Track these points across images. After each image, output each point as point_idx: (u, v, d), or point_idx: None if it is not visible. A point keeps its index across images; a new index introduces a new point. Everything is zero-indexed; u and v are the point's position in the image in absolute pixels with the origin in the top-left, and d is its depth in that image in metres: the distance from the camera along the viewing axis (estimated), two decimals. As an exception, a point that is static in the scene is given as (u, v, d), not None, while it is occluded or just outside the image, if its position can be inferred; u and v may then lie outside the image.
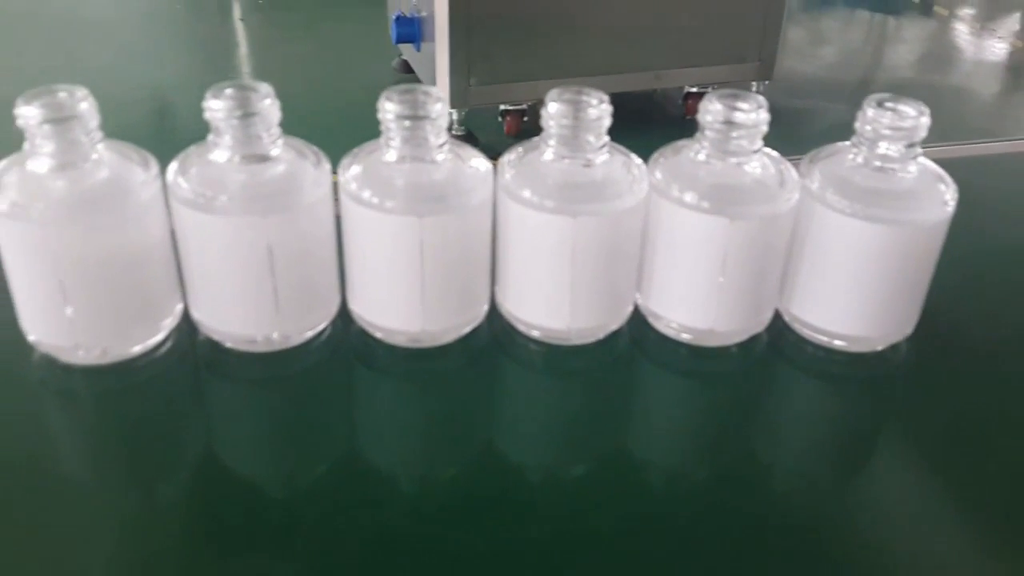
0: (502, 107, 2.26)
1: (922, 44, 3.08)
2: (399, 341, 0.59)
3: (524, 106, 2.25)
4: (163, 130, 2.14)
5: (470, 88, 2.16)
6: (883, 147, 0.57)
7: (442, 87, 2.16)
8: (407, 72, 2.48)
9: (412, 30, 2.25)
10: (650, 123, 2.29)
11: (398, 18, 2.26)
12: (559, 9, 2.16)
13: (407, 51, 2.43)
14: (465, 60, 2.13)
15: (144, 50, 2.64)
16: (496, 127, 2.27)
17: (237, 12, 2.95)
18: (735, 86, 2.36)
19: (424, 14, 2.19)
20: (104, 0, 2.98)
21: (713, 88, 2.34)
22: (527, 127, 2.23)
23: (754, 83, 2.33)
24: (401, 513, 0.49)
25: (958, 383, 0.61)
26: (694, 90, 2.37)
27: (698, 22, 2.25)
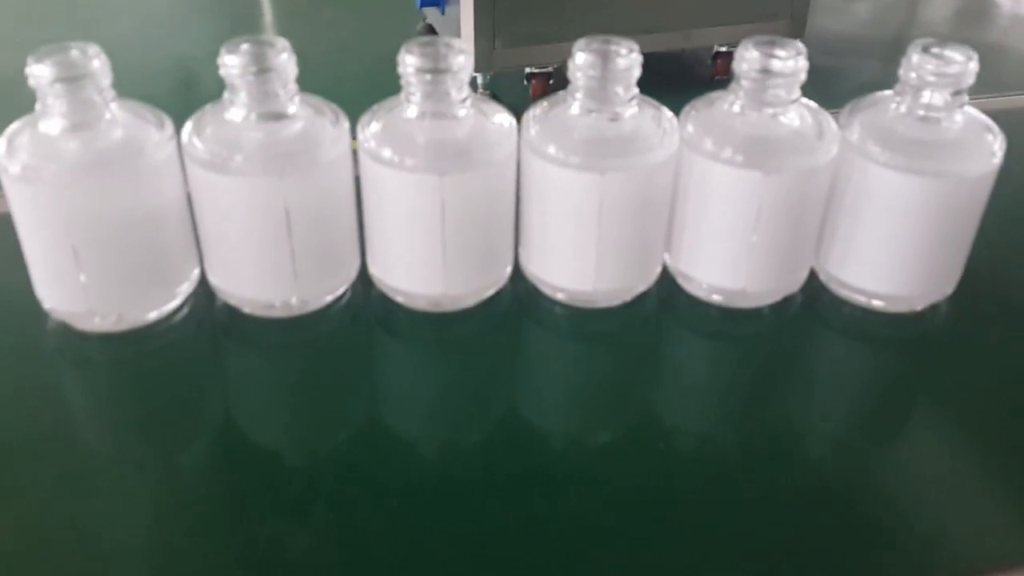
0: (528, 70, 2.22)
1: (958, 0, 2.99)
2: (420, 305, 0.57)
3: (550, 69, 2.21)
4: (188, 98, 2.13)
5: (495, 51, 2.13)
6: (928, 95, 0.54)
7: (467, 50, 2.13)
8: (432, 36, 2.45)
9: (436, -7, 2.22)
10: (679, 84, 2.24)
11: (422, -19, 2.23)
12: (585, -31, 2.11)
13: (432, 15, 2.40)
14: (490, 23, 2.09)
15: (168, 18, 2.63)
16: (522, 90, 2.24)
17: (260, -22, 2.93)
18: (766, 45, 2.31)
19: (448, -24, 2.15)
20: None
21: (743, 47, 2.30)
22: (553, 90, 2.19)
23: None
24: (423, 480, 0.48)
25: (1000, 344, 0.58)
26: (723, 49, 2.32)
27: (728, -21, 2.19)
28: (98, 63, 0.50)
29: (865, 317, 0.58)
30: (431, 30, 2.45)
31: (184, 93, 2.17)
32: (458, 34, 2.15)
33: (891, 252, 0.56)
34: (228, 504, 0.47)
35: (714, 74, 2.32)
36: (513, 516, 0.46)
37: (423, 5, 2.27)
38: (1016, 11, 2.87)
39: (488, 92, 2.19)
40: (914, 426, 0.54)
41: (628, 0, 2.15)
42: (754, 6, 2.23)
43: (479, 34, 2.10)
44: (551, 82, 2.20)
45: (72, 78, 0.50)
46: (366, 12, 2.69)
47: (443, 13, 2.27)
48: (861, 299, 0.58)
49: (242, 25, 2.66)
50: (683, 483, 0.49)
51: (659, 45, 2.20)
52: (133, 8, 2.68)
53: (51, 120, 0.51)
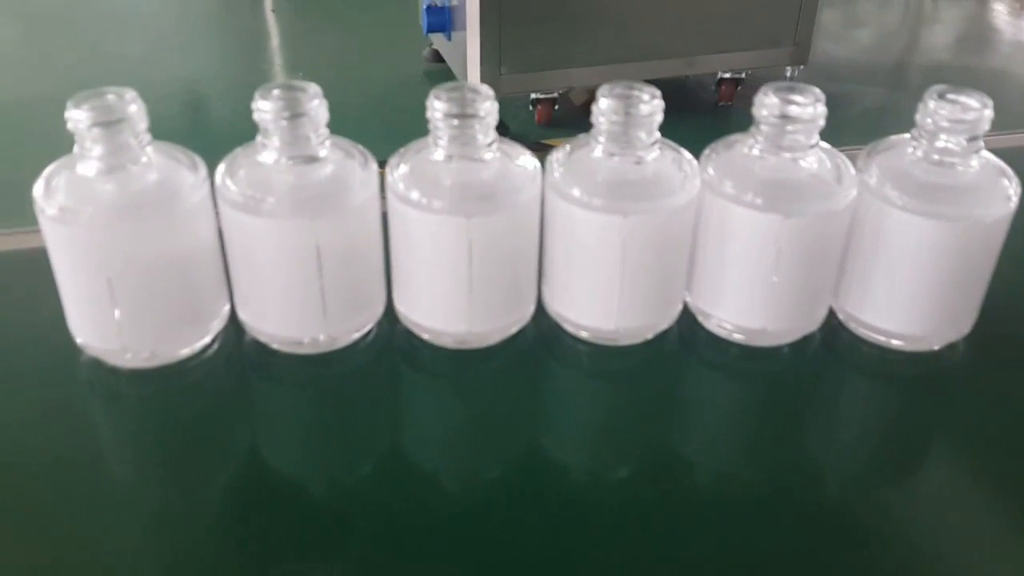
0: (533, 96, 2.24)
1: (960, 26, 3.02)
2: (445, 342, 0.58)
3: (555, 95, 2.23)
4: (197, 123, 2.15)
5: (501, 77, 2.15)
6: (944, 140, 0.55)
7: (473, 76, 2.15)
8: (438, 61, 2.47)
9: (443, 19, 2.24)
10: (683, 110, 2.27)
11: (429, 7, 2.25)
12: (590, -4, 2.14)
13: (438, 40, 2.42)
14: (496, 49, 2.11)
15: (175, 43, 2.65)
16: (527, 116, 2.26)
17: (268, 3, 2.96)
18: (769, 71, 2.33)
19: (455, 3, 2.17)
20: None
21: (747, 73, 2.32)
22: (558, 115, 2.21)
23: (788, 68, 2.30)
24: (447, 515, 0.49)
25: (1017, 383, 0.59)
26: (727, 76, 2.34)
27: (731, 6, 2.21)
28: (135, 108, 0.52)
29: (883, 356, 0.59)
30: (437, 56, 2.48)
31: (192, 116, 2.19)
32: (464, 59, 2.17)
33: (908, 293, 0.57)
34: (254, 539, 0.48)
35: (718, 100, 2.34)
36: (536, 552, 0.47)
37: (429, 31, 2.30)
38: (1017, 37, 2.90)
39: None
40: (931, 463, 0.55)
41: (632, 27, 2.18)
42: (758, 33, 2.26)
43: (485, 60, 2.12)
44: (556, 107, 2.23)
45: (109, 122, 0.51)
46: (372, 36, 2.72)
47: (449, 39, 2.29)
48: (879, 338, 0.59)
49: (249, 49, 2.69)
50: (704, 521, 0.49)
51: (663, 71, 2.22)
52: (141, 32, 2.71)
53: (88, 163, 0.52)
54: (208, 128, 2.05)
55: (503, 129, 2.29)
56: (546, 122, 2.23)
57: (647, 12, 2.17)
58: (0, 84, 2.31)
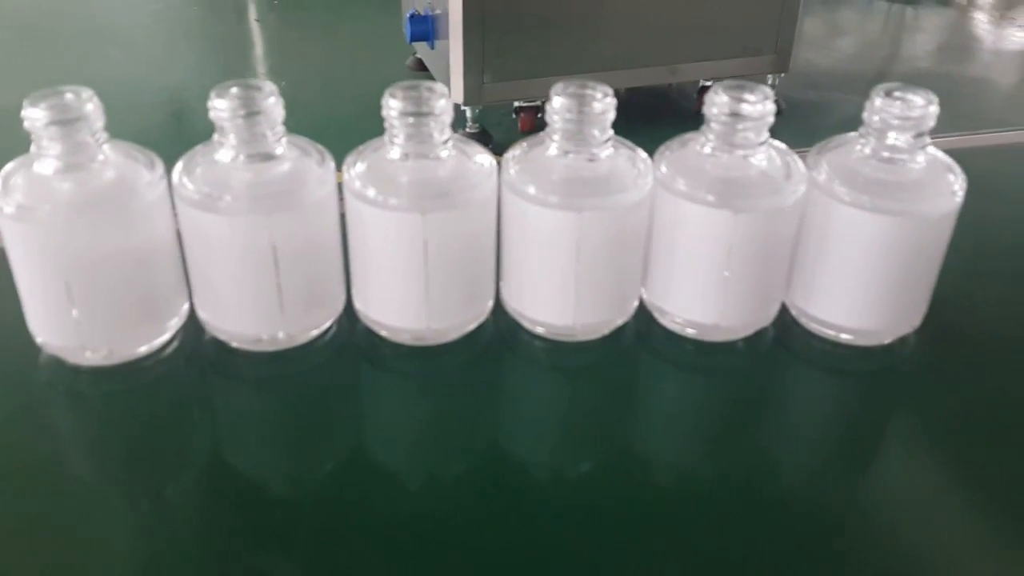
0: (516, 104, 2.26)
1: (941, 34, 3.05)
2: (404, 339, 0.59)
3: (539, 103, 2.24)
4: (180, 132, 2.15)
5: (484, 85, 2.16)
6: (891, 137, 0.56)
7: (456, 85, 2.16)
8: (421, 70, 2.49)
9: (426, 28, 2.25)
10: (664, 118, 2.28)
11: (412, 16, 2.26)
12: (572, 5, 2.15)
13: (421, 49, 2.43)
14: (479, 57, 2.13)
15: (160, 52, 2.66)
16: (511, 124, 2.27)
17: (253, 13, 2.97)
18: (751, 79, 2.34)
19: (438, 12, 2.19)
20: (120, 3, 3.00)
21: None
22: (541, 123, 2.22)
23: (770, 76, 2.32)
24: (407, 512, 0.49)
25: (966, 375, 0.60)
26: (709, 84, 2.35)
27: (713, 15, 2.23)
28: (91, 106, 0.52)
29: (835, 350, 0.60)
30: (421, 64, 2.49)
31: (176, 126, 2.19)
32: (447, 68, 2.18)
33: (858, 288, 0.58)
34: (214, 537, 0.48)
35: (698, 108, 2.36)
36: (495, 548, 0.47)
37: (412, 39, 2.31)
38: (997, 46, 2.92)
39: (477, 126, 2.22)
40: (885, 455, 0.56)
41: (614, 36, 2.19)
42: (739, 41, 2.27)
43: (468, 69, 2.13)
44: (539, 115, 2.24)
45: (66, 121, 0.51)
46: (356, 45, 2.73)
47: (433, 48, 2.30)
48: (830, 333, 0.60)
49: (233, 58, 2.69)
50: (660, 513, 0.50)
51: (645, 80, 2.24)
52: (126, 42, 2.71)
53: (45, 161, 0.52)
54: (190, 137, 2.04)
55: (486, 137, 2.30)
56: (530, 130, 2.24)
57: (629, 21, 2.18)
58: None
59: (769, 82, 2.31)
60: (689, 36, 2.23)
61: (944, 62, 2.80)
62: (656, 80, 2.28)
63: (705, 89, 2.35)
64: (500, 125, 2.26)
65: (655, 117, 2.13)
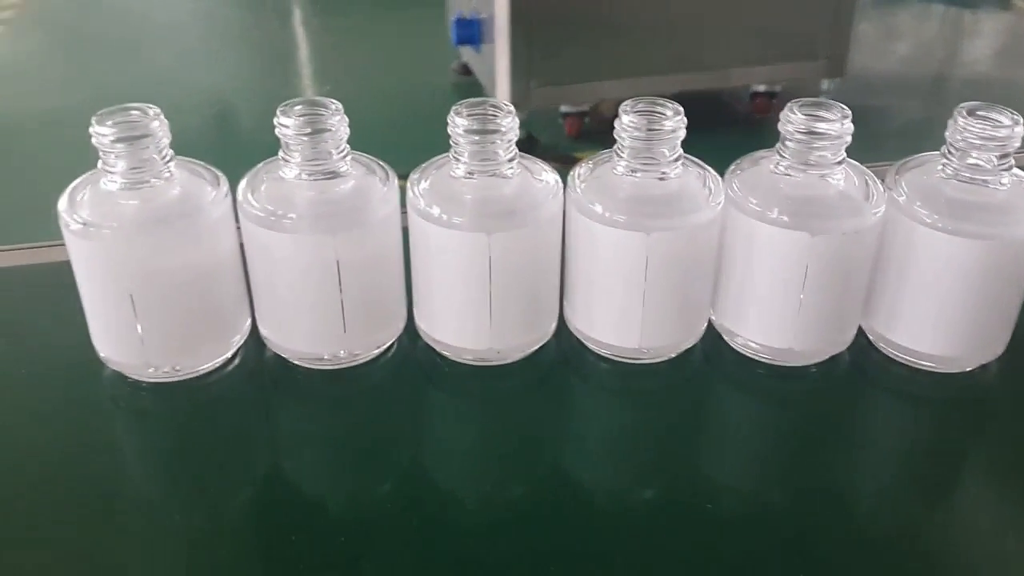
0: (563, 108, 2.24)
1: (1000, 38, 2.98)
2: (466, 359, 0.58)
3: (585, 107, 2.22)
4: (224, 135, 2.17)
5: (531, 90, 2.15)
6: (974, 157, 0.54)
7: (502, 89, 2.15)
8: (466, 74, 2.48)
9: (472, 32, 2.24)
10: (717, 123, 2.25)
11: (458, 20, 2.26)
12: (621, 8, 2.13)
13: (467, 53, 2.43)
14: (526, 61, 2.11)
15: (204, 55, 2.69)
16: (557, 128, 2.26)
17: (298, 16, 2.99)
18: (805, 84, 2.31)
19: (484, 15, 2.18)
20: (164, 5, 3.04)
21: (782, 86, 2.29)
22: (588, 128, 2.21)
23: (824, 81, 2.28)
24: (467, 535, 0.48)
25: (1053, 406, 0.58)
26: (762, 89, 2.32)
27: (766, 18, 2.20)
28: (158, 123, 0.52)
29: (913, 377, 0.58)
30: (466, 68, 2.48)
31: (219, 127, 2.21)
32: (493, 72, 2.17)
33: (939, 313, 0.56)
34: (275, 556, 0.48)
35: (752, 112, 2.32)
36: (556, 572, 0.46)
37: (459, 43, 2.30)
38: (1057, 50, 2.85)
39: (523, 131, 2.21)
40: (962, 488, 0.54)
41: (664, 40, 2.17)
42: (793, 46, 2.23)
43: (515, 73, 2.12)
44: (586, 119, 2.22)
45: (133, 138, 0.51)
46: (401, 49, 2.73)
47: (479, 51, 2.30)
48: (909, 359, 0.58)
49: (277, 61, 2.71)
50: (729, 545, 0.48)
51: (696, 84, 2.21)
52: (169, 43, 2.74)
53: (112, 178, 0.52)
54: (235, 140, 2.06)
55: (532, 142, 2.29)
56: (576, 135, 2.22)
57: (679, 24, 2.16)
58: (28, 97, 2.35)
59: (824, 87, 2.27)
60: (742, 40, 2.20)
61: (1003, 67, 2.73)
62: (707, 85, 2.25)
63: (759, 94, 2.32)
64: (546, 130, 2.25)
65: (707, 123, 2.10)
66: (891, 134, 2.12)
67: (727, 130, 2.19)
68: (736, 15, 2.18)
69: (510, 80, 2.13)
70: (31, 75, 2.52)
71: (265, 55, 2.77)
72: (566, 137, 2.23)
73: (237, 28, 2.95)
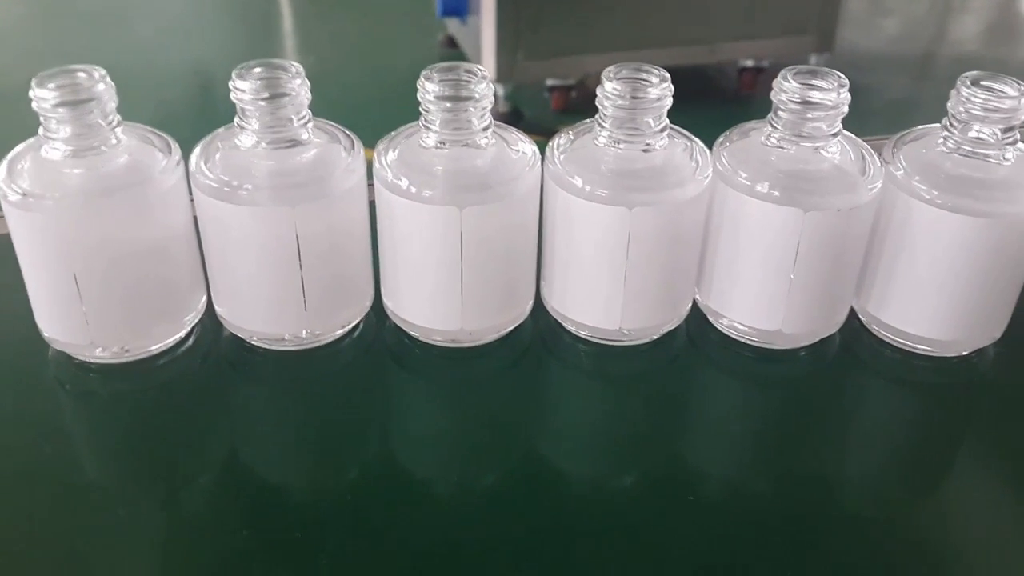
0: (549, 82, 2.20)
1: (990, 15, 2.95)
2: (436, 340, 0.55)
3: (572, 81, 2.19)
4: (205, 107, 2.12)
5: (517, 63, 2.11)
6: (977, 130, 0.51)
7: (488, 62, 2.11)
8: (452, 47, 2.44)
9: (458, 3, 2.20)
10: (704, 98, 2.21)
11: (444, -9, 2.21)
12: (609, -19, 2.09)
13: (452, 25, 2.39)
14: (512, 34, 2.08)
15: (187, 26, 2.63)
16: (543, 102, 2.22)
17: (282, -14, 2.93)
18: (793, 59, 2.27)
19: (470, -13, 2.14)
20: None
21: (770, 61, 2.26)
22: (574, 102, 2.17)
23: (813, 56, 2.25)
24: (434, 524, 0.45)
25: (1052, 391, 0.55)
26: (750, 64, 2.28)
27: (754, -8, 2.16)
28: (103, 86, 0.48)
29: (907, 361, 0.55)
30: (451, 41, 2.44)
31: (202, 98, 2.16)
32: (479, 45, 2.13)
33: (936, 294, 0.53)
34: (229, 546, 0.45)
35: (739, 87, 2.29)
36: (532, 562, 0.43)
37: (444, 14, 2.26)
38: (1048, 27, 2.82)
39: (509, 104, 2.17)
40: (957, 474, 0.51)
41: (652, 14, 2.13)
42: (781, 21, 2.20)
43: (501, 45, 2.08)
44: (572, 93, 2.18)
45: (76, 102, 0.47)
46: (386, 20, 2.69)
47: (464, 23, 2.25)
48: (904, 342, 0.55)
49: (261, 31, 2.66)
50: (713, 534, 0.46)
51: (684, 59, 2.18)
52: (153, 14, 2.68)
53: (54, 144, 0.49)
54: (215, 111, 2.02)
55: (517, 116, 2.26)
56: (562, 109, 2.19)
57: (667, -2, 2.12)
58: (3, 69, 2.29)
59: (812, 62, 2.24)
60: (729, 14, 2.17)
61: (993, 44, 2.70)
62: (695, 59, 2.21)
63: (746, 69, 2.28)
64: (533, 103, 2.21)
65: (694, 97, 2.06)
66: (880, 110, 2.09)
67: (714, 105, 2.16)
68: (725, -12, 2.14)
69: (496, 53, 2.09)
70: (5, 45, 2.45)
71: (249, 25, 2.71)
72: (552, 111, 2.20)
73: (219, -1, 2.89)
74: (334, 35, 2.59)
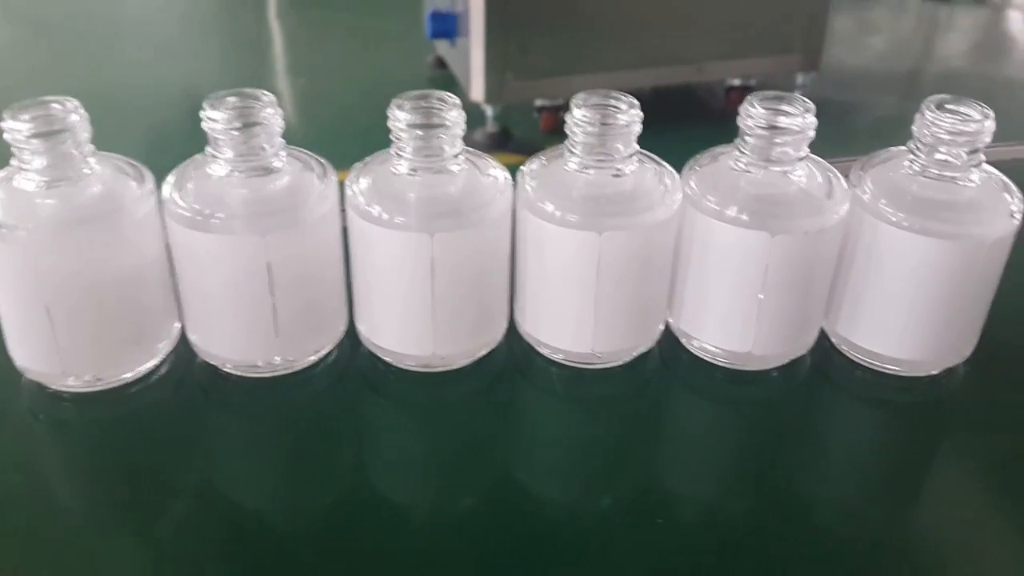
0: (538, 103, 2.21)
1: (976, 33, 2.97)
2: (410, 365, 0.55)
3: (561, 102, 2.20)
4: (195, 130, 2.12)
5: (506, 83, 2.12)
6: (943, 153, 0.51)
7: (477, 83, 2.12)
8: (441, 68, 2.45)
9: (447, 26, 2.21)
10: (691, 118, 2.23)
11: (433, 14, 2.23)
12: (597, 3, 2.11)
13: (442, 47, 2.40)
14: (501, 55, 2.09)
15: (179, 49, 2.64)
16: (531, 123, 2.23)
17: (273, 9, 2.94)
18: (780, 78, 2.29)
19: (460, 9, 2.15)
20: (141, 0, 2.99)
21: (757, 80, 2.28)
22: (563, 124, 2.18)
23: (799, 75, 2.26)
24: (411, 549, 0.45)
25: (1018, 410, 0.55)
26: (737, 83, 2.30)
27: (741, 12, 2.18)
28: (76, 117, 0.49)
29: (878, 381, 0.55)
30: (441, 62, 2.45)
31: (192, 121, 2.16)
32: (468, 66, 2.14)
33: (905, 315, 0.53)
34: (204, 572, 0.45)
35: (726, 106, 2.30)
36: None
37: (433, 36, 2.27)
38: (1033, 45, 2.85)
39: (497, 125, 2.18)
40: (928, 494, 0.52)
41: (640, 33, 2.15)
42: (767, 40, 2.22)
43: (490, 66, 2.09)
44: (561, 114, 2.19)
45: (49, 133, 0.48)
46: (376, 43, 2.70)
47: (453, 45, 2.27)
48: (873, 363, 0.56)
49: (252, 54, 2.67)
50: (685, 557, 0.46)
51: (672, 78, 2.19)
52: (143, 36, 2.69)
53: (27, 176, 0.49)
54: (205, 135, 2.02)
55: (506, 136, 2.27)
56: (551, 129, 2.20)
57: (655, 18, 2.14)
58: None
59: (799, 81, 2.25)
60: (716, 34, 2.18)
61: (979, 63, 2.73)
62: (682, 79, 2.23)
63: (733, 88, 2.30)
64: (522, 124, 2.22)
65: (682, 117, 2.07)
66: (866, 129, 2.10)
67: (702, 124, 2.17)
68: (711, 9, 2.16)
69: (484, 74, 2.10)
70: (2, 67, 2.46)
71: (240, 48, 2.72)
72: (541, 132, 2.21)
73: (212, 21, 2.90)
74: (325, 57, 2.60)
